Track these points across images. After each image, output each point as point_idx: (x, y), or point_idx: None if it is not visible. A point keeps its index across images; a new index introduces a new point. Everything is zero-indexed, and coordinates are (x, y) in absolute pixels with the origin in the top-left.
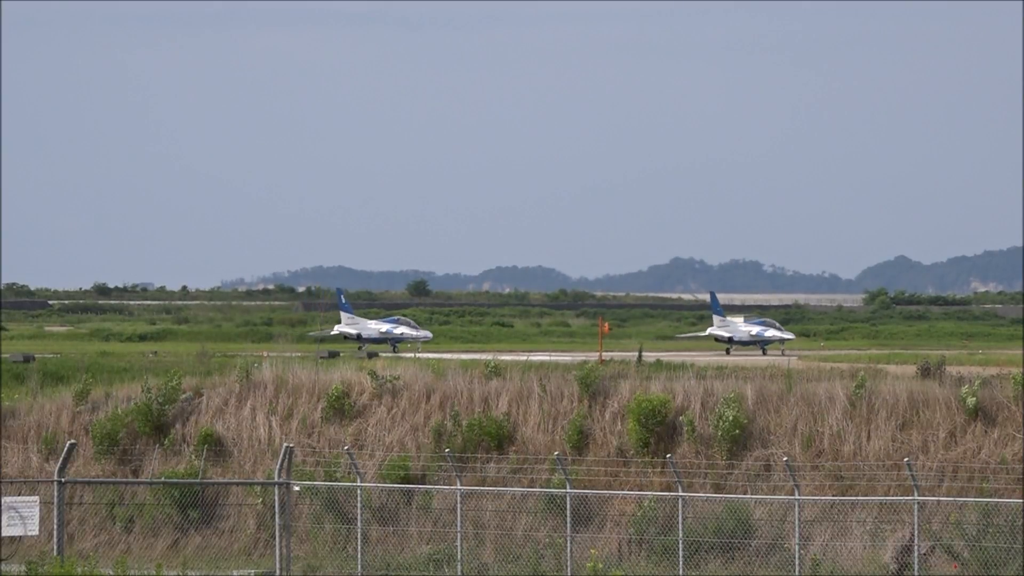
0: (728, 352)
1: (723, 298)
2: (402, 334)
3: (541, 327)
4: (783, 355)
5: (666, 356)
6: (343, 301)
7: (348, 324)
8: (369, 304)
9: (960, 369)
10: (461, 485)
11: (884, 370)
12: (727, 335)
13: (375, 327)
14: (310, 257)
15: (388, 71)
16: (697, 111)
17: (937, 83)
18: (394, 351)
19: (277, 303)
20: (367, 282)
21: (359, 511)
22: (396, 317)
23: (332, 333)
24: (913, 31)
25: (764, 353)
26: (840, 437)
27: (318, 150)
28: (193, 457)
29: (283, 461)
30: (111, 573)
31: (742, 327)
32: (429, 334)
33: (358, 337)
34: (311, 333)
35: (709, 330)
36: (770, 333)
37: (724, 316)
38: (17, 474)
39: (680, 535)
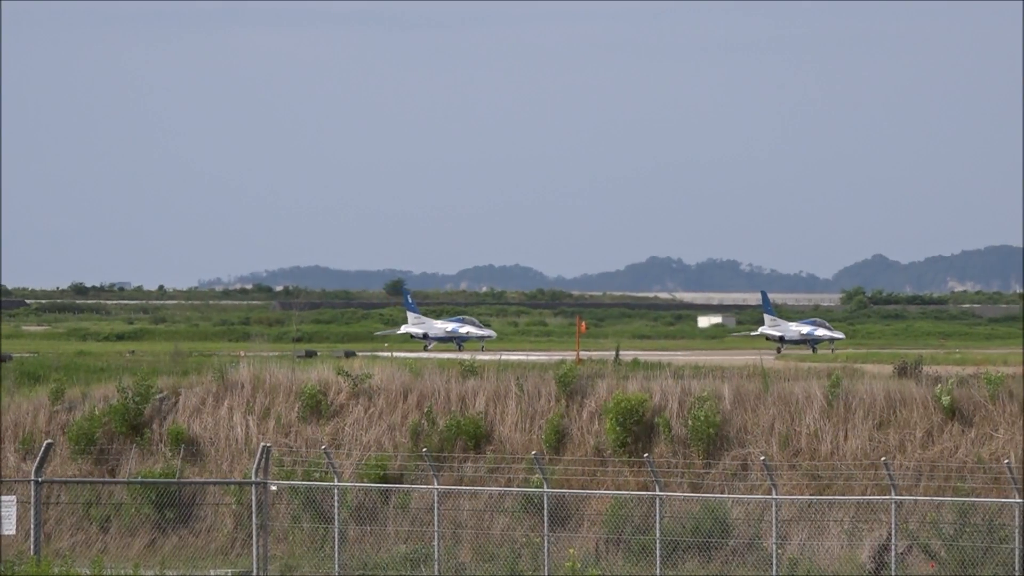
0: (779, 351)
1: (699, 297)
2: (467, 333)
3: (518, 326)
4: (832, 352)
5: (643, 355)
6: (409, 301)
7: (415, 324)
8: (346, 304)
9: (937, 368)
10: (438, 484)
11: (861, 369)
12: (778, 334)
13: (441, 326)
14: (287, 257)
15: (371, 72)
16: (675, 112)
17: (914, 84)
18: (459, 349)
19: (254, 303)
20: (344, 282)
21: (336, 511)
22: (461, 316)
23: (398, 332)
24: (900, 33)
25: (814, 351)
26: (817, 437)
27: (296, 151)
28: (170, 456)
29: (260, 460)
30: (88, 572)
31: (792, 327)
32: (493, 333)
33: (424, 336)
34: (377, 333)
35: (761, 329)
36: (820, 332)
37: (775, 316)
38: None
39: (658, 535)
